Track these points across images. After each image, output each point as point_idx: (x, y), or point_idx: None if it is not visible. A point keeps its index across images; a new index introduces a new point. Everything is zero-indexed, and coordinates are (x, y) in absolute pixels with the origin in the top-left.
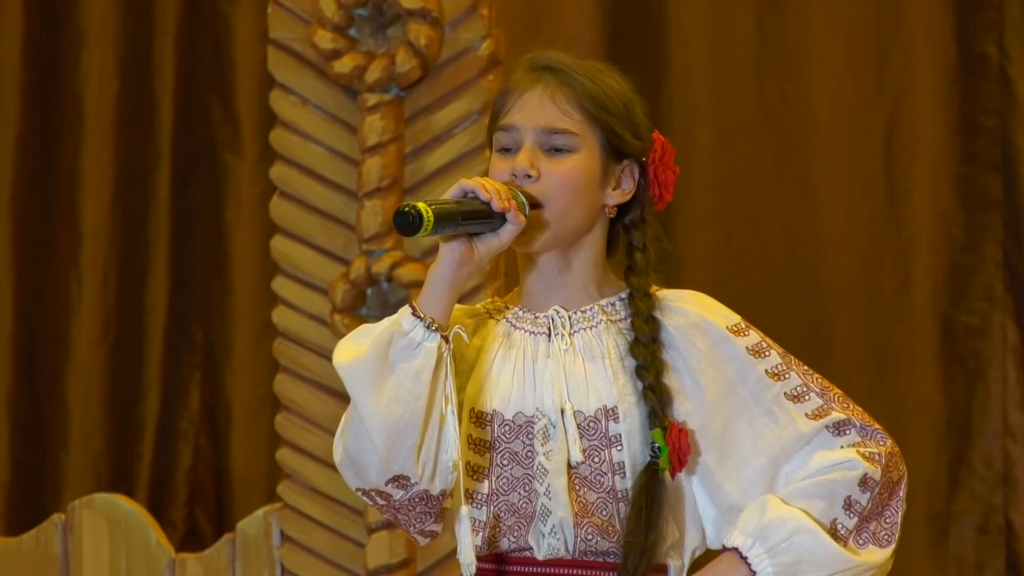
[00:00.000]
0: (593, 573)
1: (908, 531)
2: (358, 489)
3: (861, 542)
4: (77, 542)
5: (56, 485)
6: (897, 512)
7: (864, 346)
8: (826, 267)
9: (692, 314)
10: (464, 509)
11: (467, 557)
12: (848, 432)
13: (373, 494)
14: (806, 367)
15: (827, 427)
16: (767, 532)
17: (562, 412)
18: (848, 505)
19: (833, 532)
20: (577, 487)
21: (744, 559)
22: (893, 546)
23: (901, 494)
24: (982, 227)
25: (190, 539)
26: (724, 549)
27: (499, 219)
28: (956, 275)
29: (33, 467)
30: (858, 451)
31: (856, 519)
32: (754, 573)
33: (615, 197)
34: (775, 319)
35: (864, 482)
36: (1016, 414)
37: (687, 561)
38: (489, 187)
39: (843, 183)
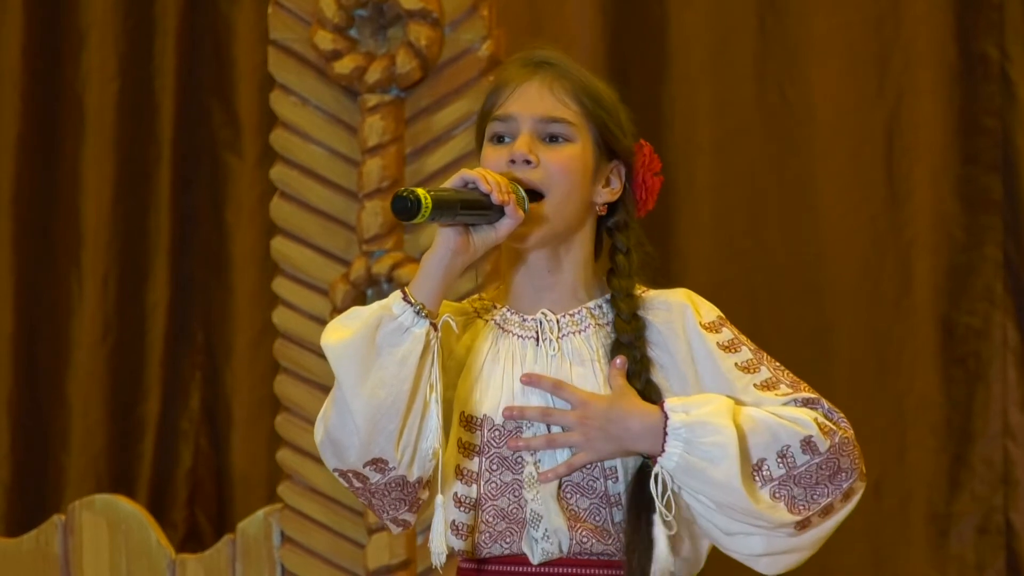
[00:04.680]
0: (590, 571)
1: (908, 531)
2: (335, 470)
3: (778, 496)
4: (77, 543)
5: (56, 485)
6: (831, 498)
7: (865, 347)
8: (827, 268)
9: (675, 310)
10: (439, 499)
11: (438, 546)
12: (816, 408)
13: (350, 475)
14: (778, 363)
15: (796, 400)
16: (699, 428)
17: None
18: (783, 455)
19: (757, 469)
20: (569, 494)
21: (664, 433)
22: (800, 518)
23: (844, 487)
24: (982, 228)
25: (190, 540)
26: (661, 408)
27: (497, 212)
28: (956, 276)
29: (33, 467)
30: (816, 420)
31: (784, 471)
32: (661, 451)
33: (604, 195)
34: (776, 320)
35: (808, 443)
36: (1016, 415)
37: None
38: (490, 179)
39: (844, 184)
